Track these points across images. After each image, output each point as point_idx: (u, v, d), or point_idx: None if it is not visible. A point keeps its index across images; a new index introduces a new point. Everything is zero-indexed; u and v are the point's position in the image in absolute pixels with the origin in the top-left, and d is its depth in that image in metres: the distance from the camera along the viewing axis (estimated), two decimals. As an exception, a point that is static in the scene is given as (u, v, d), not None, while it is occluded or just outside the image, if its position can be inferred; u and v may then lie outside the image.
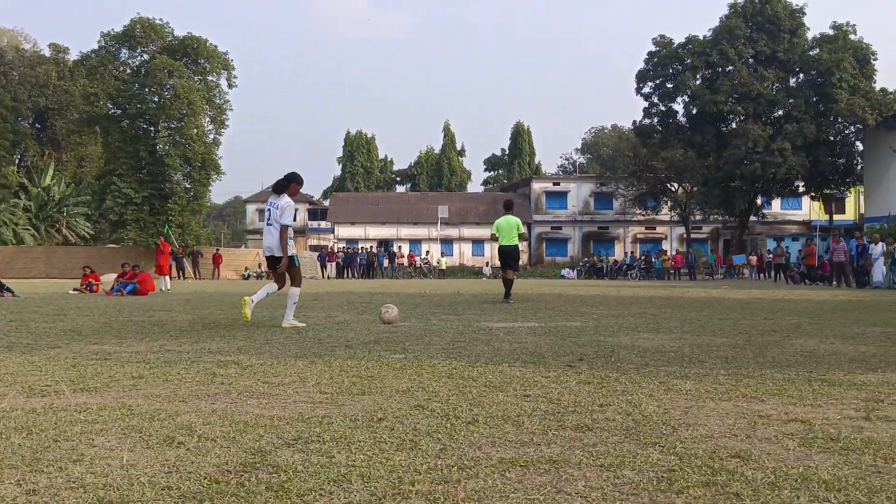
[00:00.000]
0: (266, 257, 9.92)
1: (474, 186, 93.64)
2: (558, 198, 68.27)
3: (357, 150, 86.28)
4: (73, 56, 64.78)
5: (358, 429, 3.80)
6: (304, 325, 9.65)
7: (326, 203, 78.34)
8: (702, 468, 3.08)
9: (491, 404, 4.43)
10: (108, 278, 25.91)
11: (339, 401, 4.58)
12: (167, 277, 25.05)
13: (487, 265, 58.66)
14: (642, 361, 6.31)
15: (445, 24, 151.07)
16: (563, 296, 19.64)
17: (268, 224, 9.70)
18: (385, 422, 3.96)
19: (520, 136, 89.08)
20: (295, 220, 10.20)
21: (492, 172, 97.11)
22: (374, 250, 53.74)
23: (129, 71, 49.18)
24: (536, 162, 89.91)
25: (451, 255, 63.68)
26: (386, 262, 51.63)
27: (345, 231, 65.92)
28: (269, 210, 9.70)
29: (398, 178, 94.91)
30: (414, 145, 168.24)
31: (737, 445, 3.47)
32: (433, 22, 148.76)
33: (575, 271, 54.16)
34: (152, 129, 48.43)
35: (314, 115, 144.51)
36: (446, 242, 64.41)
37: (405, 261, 53.74)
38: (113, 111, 48.25)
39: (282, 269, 9.57)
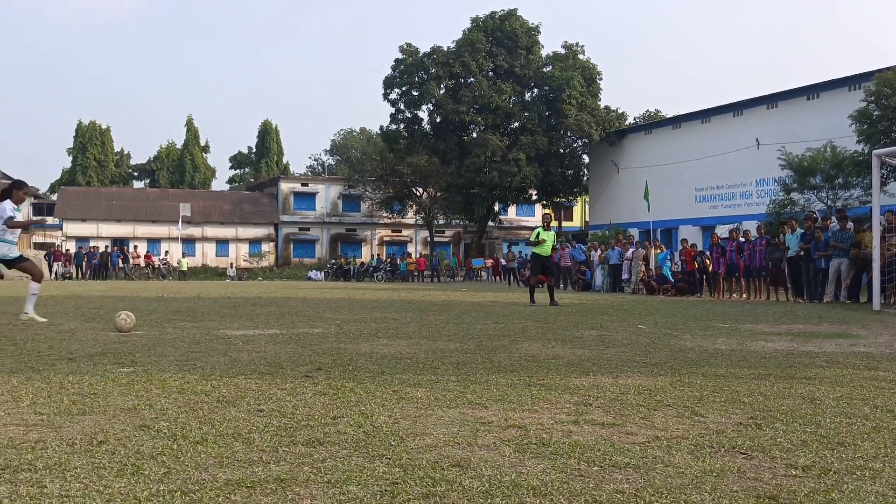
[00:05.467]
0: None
1: (219, 184, 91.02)
2: (306, 199, 67.93)
3: (90, 141, 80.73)
4: None
5: (75, 454, 3.58)
6: (44, 320, 10.31)
7: (54, 198, 72.56)
8: (423, 479, 3.21)
9: (222, 421, 4.33)
10: None
11: (56, 423, 4.28)
12: None
13: (232, 266, 57.14)
14: (379, 369, 6.45)
15: (188, 13, 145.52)
16: (309, 299, 19.58)
17: None
18: (106, 445, 3.76)
19: (267, 135, 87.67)
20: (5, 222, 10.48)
21: (238, 171, 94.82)
22: (108, 249, 50.54)
23: None
24: (284, 161, 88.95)
25: (194, 256, 61.38)
26: (120, 263, 48.68)
27: (75, 228, 61.45)
28: None
29: (136, 174, 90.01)
30: (154, 139, 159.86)
31: (458, 454, 3.65)
32: (175, 9, 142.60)
33: (322, 273, 54.17)
34: None
35: (41, 101, 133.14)
36: (188, 242, 61.97)
37: (142, 261, 51.00)
38: None
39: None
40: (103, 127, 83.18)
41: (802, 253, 18.60)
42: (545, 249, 17.34)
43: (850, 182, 28.34)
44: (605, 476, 3.32)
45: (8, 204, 10.32)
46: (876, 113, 26.05)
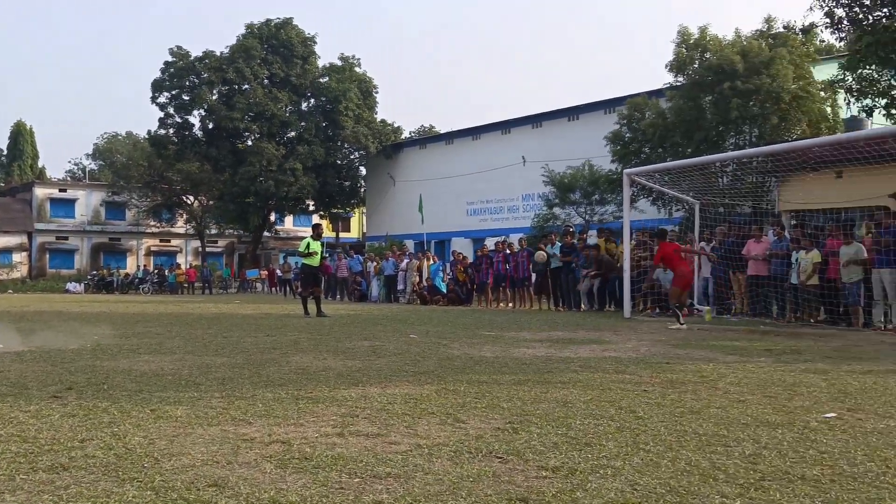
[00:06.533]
0: None
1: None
2: (65, 205, 63.34)
3: None
4: None
5: None
6: None
7: None
8: (177, 501, 3.08)
9: (-50, 450, 3.93)
10: None
11: None
12: None
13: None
14: (137, 387, 6.12)
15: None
16: (65, 313, 18.29)
17: None
18: None
19: (21, 137, 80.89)
20: None
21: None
22: None
23: None
24: (40, 165, 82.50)
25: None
26: None
27: None
28: None
29: None
30: None
31: (216, 473, 3.53)
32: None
33: (82, 285, 50.74)
34: None
35: None
36: (-75, 251, 55.87)
37: None
38: None
39: None
40: None
41: (562, 264, 19.74)
42: (315, 260, 17.23)
43: (606, 198, 30.44)
44: (365, 487, 3.33)
45: None
46: (628, 135, 28.15)
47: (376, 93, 51.85)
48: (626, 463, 3.80)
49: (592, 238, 20.30)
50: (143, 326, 13.52)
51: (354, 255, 31.20)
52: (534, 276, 21.08)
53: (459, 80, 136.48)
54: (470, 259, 25.71)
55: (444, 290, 24.40)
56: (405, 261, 26.52)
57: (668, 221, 24.91)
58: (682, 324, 12.90)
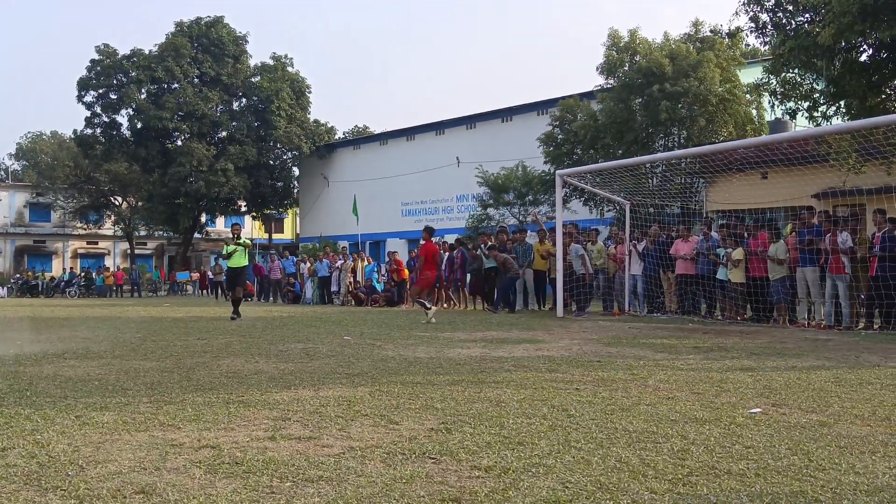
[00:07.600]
0: None
1: None
2: (-14, 207, 61.46)
3: None
4: None
5: None
6: None
7: None
8: (102, 511, 3.00)
9: None
10: None
11: None
12: None
13: None
14: (62, 394, 5.96)
15: None
16: (-15, 318, 17.72)
17: None
18: None
19: (-61, 135, 78.26)
20: None
21: None
22: None
23: None
24: (-40, 165, 79.78)
25: None
26: None
27: None
28: None
29: None
30: None
31: (144, 479, 3.45)
32: None
33: (6, 289, 49.20)
34: None
35: None
36: None
37: None
38: None
39: None
40: None
41: (496, 264, 19.81)
42: (235, 261, 16.95)
43: (539, 199, 30.72)
44: (297, 491, 3.30)
45: None
46: (560, 136, 28.50)
47: (309, 93, 51.44)
48: (557, 461, 3.84)
49: (532, 238, 20.41)
50: (69, 331, 13.17)
51: (288, 257, 30.90)
52: (468, 277, 21.15)
53: (393, 81, 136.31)
54: (405, 259, 25.56)
55: (382, 290, 24.35)
56: (339, 262, 26.35)
57: (600, 222, 25.27)
58: (428, 310, 14.54)
